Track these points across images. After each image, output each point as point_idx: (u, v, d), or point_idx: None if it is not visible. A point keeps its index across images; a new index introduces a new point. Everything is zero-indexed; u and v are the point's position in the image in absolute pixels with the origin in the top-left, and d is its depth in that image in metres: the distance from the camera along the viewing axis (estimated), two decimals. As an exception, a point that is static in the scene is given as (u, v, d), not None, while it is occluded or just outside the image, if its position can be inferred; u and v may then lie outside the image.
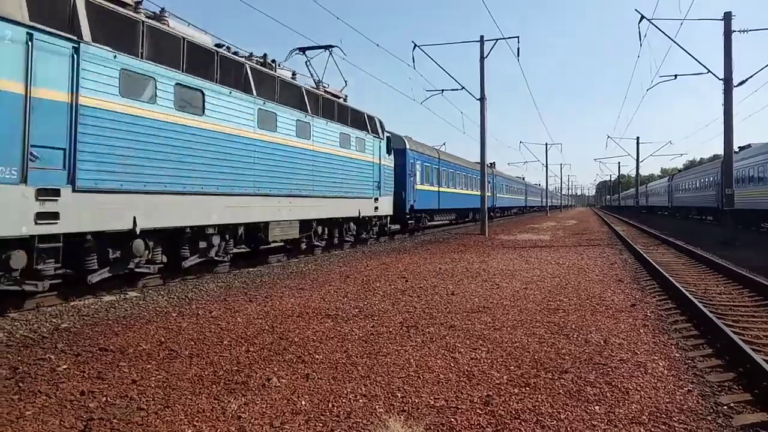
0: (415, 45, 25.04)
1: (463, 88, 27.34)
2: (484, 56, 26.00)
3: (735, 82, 20.50)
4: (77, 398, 4.59)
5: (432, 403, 4.47)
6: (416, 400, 4.52)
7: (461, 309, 8.20)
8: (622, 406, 4.33)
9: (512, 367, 5.37)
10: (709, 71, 21.61)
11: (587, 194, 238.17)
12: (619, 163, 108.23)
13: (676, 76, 25.52)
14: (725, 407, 4.34)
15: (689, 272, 12.65)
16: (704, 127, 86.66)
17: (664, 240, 21.99)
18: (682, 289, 9.19)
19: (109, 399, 4.56)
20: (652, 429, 3.91)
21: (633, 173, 74.59)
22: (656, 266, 12.37)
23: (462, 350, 5.98)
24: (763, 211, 27.13)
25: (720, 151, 22.18)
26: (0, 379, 5.09)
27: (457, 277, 11.55)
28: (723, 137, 20.80)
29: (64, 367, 5.44)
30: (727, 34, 20.29)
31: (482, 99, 26.47)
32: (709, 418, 4.12)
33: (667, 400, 4.48)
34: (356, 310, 8.18)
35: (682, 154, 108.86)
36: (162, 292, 9.82)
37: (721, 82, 20.56)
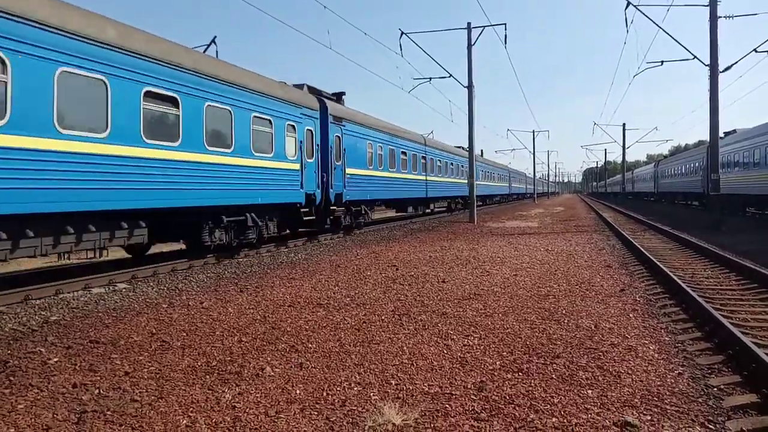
0: (403, 33, 24.94)
1: (451, 75, 27.30)
2: (472, 43, 25.94)
3: (720, 68, 20.62)
4: (70, 391, 4.56)
5: (426, 389, 4.49)
6: (410, 387, 4.54)
7: (453, 296, 8.23)
8: (615, 390, 4.38)
9: (505, 353, 5.41)
10: (695, 57, 21.73)
11: (574, 181, 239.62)
12: (605, 149, 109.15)
13: (662, 62, 25.65)
14: (715, 389, 4.40)
15: (677, 257, 12.78)
16: (690, 113, 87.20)
17: (650, 225, 22.18)
18: (670, 273, 9.29)
19: (102, 391, 4.53)
20: (645, 411, 3.96)
21: (619, 160, 75.07)
22: (644, 251, 12.48)
23: (454, 337, 6.01)
24: (748, 196, 27.43)
25: (705, 136, 22.35)
26: (-10, 373, 5.04)
27: (448, 265, 11.58)
28: (709, 123, 20.96)
29: (56, 360, 5.40)
30: (713, 19, 20.36)
31: (470, 86, 26.44)
32: (700, 400, 4.17)
33: (659, 383, 4.53)
34: (348, 298, 8.19)
35: (667, 140, 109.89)
36: (152, 283, 9.77)
37: (707, 68, 20.67)
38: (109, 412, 4.09)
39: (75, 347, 5.83)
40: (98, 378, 4.85)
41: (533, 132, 71.76)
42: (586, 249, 14.34)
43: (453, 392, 4.41)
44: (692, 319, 6.69)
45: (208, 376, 4.87)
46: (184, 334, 6.32)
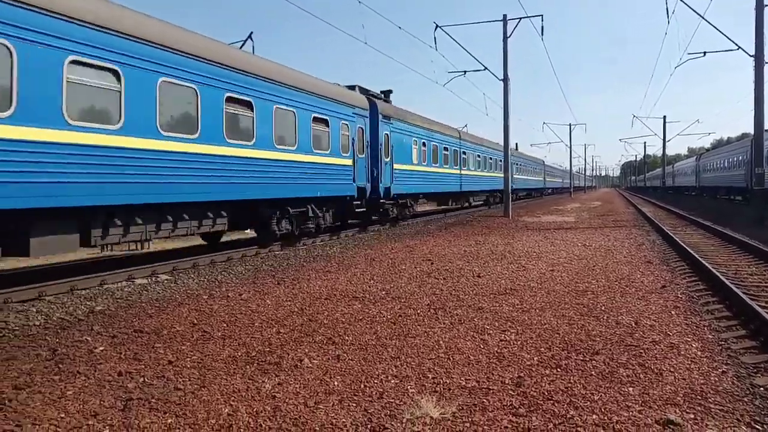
0: (437, 26, 24.79)
1: (486, 68, 27.06)
2: (507, 36, 25.66)
3: (766, 58, 19.94)
4: (115, 379, 4.70)
5: (463, 384, 4.49)
6: (447, 381, 4.54)
7: (488, 291, 8.20)
8: (656, 388, 4.31)
9: (542, 349, 5.37)
10: (739, 48, 21.11)
11: (611, 175, 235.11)
12: (645, 142, 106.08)
13: (705, 53, 25.07)
14: (762, 389, 4.29)
15: (719, 253, 12.45)
16: (733, 105, 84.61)
17: (692, 220, 21.64)
18: (713, 270, 9.06)
19: (146, 379, 4.66)
20: (688, 410, 3.89)
21: (659, 153, 73.39)
22: (685, 247, 12.20)
23: (491, 332, 5.99)
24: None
25: (749, 129, 21.68)
26: (41, 360, 5.24)
27: (483, 260, 11.53)
28: (753, 115, 20.31)
29: (101, 348, 5.58)
30: (759, 8, 19.69)
31: (505, 79, 26.17)
32: (745, 399, 4.08)
33: (702, 381, 4.45)
34: (383, 292, 8.23)
35: (709, 133, 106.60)
36: (192, 275, 9.98)
37: (752, 58, 20.02)
38: (153, 400, 4.21)
39: (120, 336, 6.01)
40: (143, 366, 4.99)
41: (570, 125, 70.63)
42: (625, 244, 14.09)
43: (490, 387, 4.40)
44: (736, 316, 6.53)
45: (248, 366, 4.96)
46: (225, 324, 6.45)
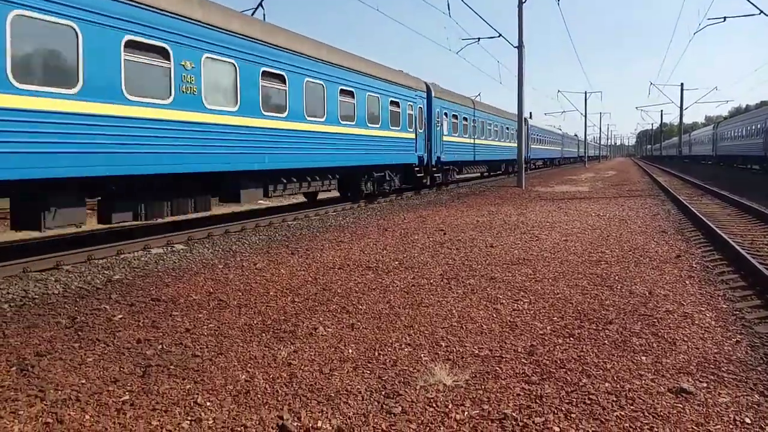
0: (451, -8, 24.30)
1: (501, 35, 26.63)
2: (523, 1, 25.15)
3: (790, 23, 19.44)
4: (134, 346, 4.80)
5: (476, 352, 4.53)
6: (460, 350, 4.59)
7: (501, 261, 8.20)
8: (669, 357, 4.32)
9: (555, 318, 5.39)
10: (761, 12, 20.54)
11: (627, 144, 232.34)
12: (661, 111, 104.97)
13: (725, 18, 24.37)
14: (775, 358, 4.29)
15: (735, 223, 12.33)
16: (753, 72, 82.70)
17: (708, 190, 21.39)
18: (728, 239, 8.99)
19: (164, 347, 4.75)
20: (701, 379, 3.90)
21: (676, 122, 72.23)
22: (701, 216, 12.09)
23: (504, 301, 6.01)
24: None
25: (771, 97, 21.19)
26: (61, 328, 5.35)
27: (496, 230, 11.51)
28: (775, 82, 19.88)
29: (120, 316, 5.68)
30: (784, -29, 19.11)
31: (520, 47, 25.75)
32: (759, 368, 4.08)
33: (715, 350, 4.45)
34: (396, 262, 8.26)
35: (728, 101, 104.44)
36: (207, 245, 10.08)
37: (775, 23, 19.51)
38: (172, 367, 4.30)
39: (137, 305, 6.11)
40: (161, 334, 5.08)
41: (585, 93, 69.61)
42: (640, 214, 13.99)
43: (503, 355, 4.44)
44: (751, 286, 6.49)
45: (264, 334, 5.04)
46: (240, 293, 6.53)
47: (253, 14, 16.17)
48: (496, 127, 33.98)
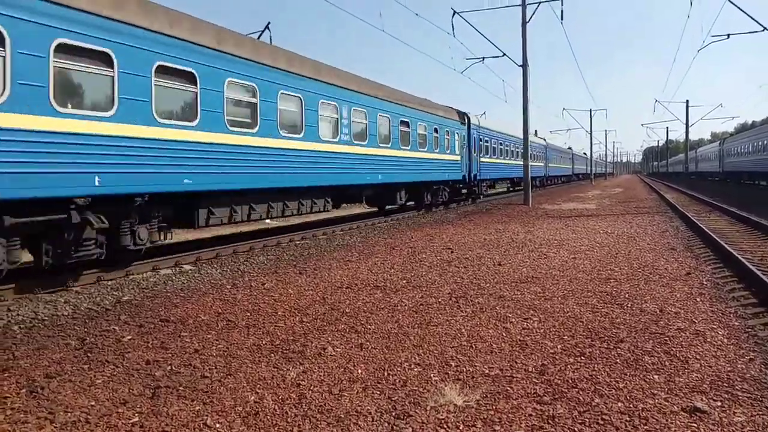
0: (455, 12, 24.61)
1: (505, 54, 26.82)
2: (527, 21, 25.35)
3: (794, 39, 19.49)
4: (143, 367, 4.79)
5: (486, 372, 4.50)
6: (470, 369, 4.56)
7: (509, 279, 8.17)
8: (682, 375, 4.28)
9: (566, 337, 5.35)
10: (765, 29, 20.61)
11: (633, 161, 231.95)
12: (667, 128, 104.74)
13: (729, 35, 24.45)
14: (790, 376, 4.23)
15: (745, 239, 12.25)
16: (758, 89, 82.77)
17: (716, 206, 21.30)
18: (738, 256, 8.93)
19: (173, 368, 4.74)
20: (715, 398, 3.85)
21: (682, 138, 72.15)
22: (710, 233, 12.03)
23: (513, 320, 5.98)
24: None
25: (777, 112, 21.17)
26: (70, 349, 5.35)
27: (503, 248, 11.48)
28: (781, 98, 19.87)
29: (129, 337, 5.68)
30: (787, -12, 19.21)
31: (524, 65, 25.89)
32: (773, 387, 4.03)
33: (729, 368, 4.40)
34: (404, 281, 8.25)
35: (733, 117, 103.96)
36: (215, 265, 10.10)
37: (780, 39, 19.57)
38: (181, 388, 4.29)
39: (147, 326, 6.11)
40: (170, 355, 5.08)
41: (590, 110, 69.72)
42: (648, 231, 13.93)
43: (514, 375, 4.41)
44: (762, 303, 6.43)
45: (272, 355, 5.02)
46: (248, 313, 6.52)
47: (259, 37, 16.35)
48: (517, 149, 37.45)
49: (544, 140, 52.21)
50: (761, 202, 22.94)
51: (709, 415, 3.59)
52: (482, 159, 29.13)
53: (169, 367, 4.75)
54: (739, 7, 19.90)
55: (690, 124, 58.55)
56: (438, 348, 5.12)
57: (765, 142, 37.34)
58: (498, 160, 32.80)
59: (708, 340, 5.13)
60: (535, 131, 49.80)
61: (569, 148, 72.53)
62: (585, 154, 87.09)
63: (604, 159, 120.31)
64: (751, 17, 20.46)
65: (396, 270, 9.17)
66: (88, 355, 5.18)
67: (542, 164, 48.19)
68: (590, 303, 6.62)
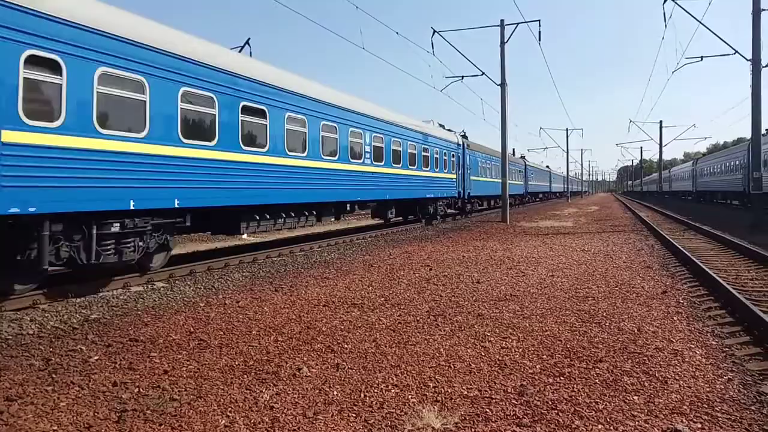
0: (435, 31, 24.81)
1: (483, 73, 27.05)
2: (505, 41, 25.66)
3: (763, 62, 19.96)
4: (110, 389, 4.61)
5: (465, 393, 4.41)
6: (449, 390, 4.46)
7: (488, 297, 8.11)
8: (662, 396, 4.23)
9: (545, 356, 5.29)
10: (736, 52, 21.11)
11: (608, 179, 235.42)
12: (641, 147, 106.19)
13: (702, 57, 24.98)
14: (769, 397, 4.21)
15: (719, 258, 12.40)
16: (729, 111, 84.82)
17: (690, 225, 21.60)
18: (713, 275, 9.00)
19: (141, 390, 4.57)
20: (695, 419, 3.81)
21: (655, 158, 73.41)
22: (685, 252, 12.14)
23: (492, 339, 5.91)
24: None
25: (744, 134, 21.68)
26: (34, 370, 5.14)
27: (482, 265, 11.45)
28: (751, 120, 20.30)
29: (96, 358, 5.48)
30: (756, 13, 19.72)
31: (503, 84, 26.16)
32: (753, 408, 4.00)
33: (708, 389, 4.37)
34: (382, 299, 8.14)
35: (706, 138, 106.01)
36: (189, 282, 9.88)
37: (749, 62, 20.04)
38: (148, 411, 4.12)
39: (115, 345, 5.91)
40: (138, 376, 4.89)
41: (567, 130, 70.76)
42: (624, 249, 14.03)
43: (493, 396, 4.32)
44: (739, 322, 6.46)
45: (245, 376, 4.87)
46: (221, 332, 6.35)
47: (240, 51, 16.28)
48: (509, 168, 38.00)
49: (524, 158, 53.60)
50: (734, 221, 23.34)
51: (690, 438, 3.54)
52: (473, 178, 30.87)
53: (137, 389, 4.57)
54: (711, 30, 20.38)
55: (664, 144, 59.59)
56: (416, 368, 5.02)
57: (737, 162, 38.15)
58: (485, 179, 34.56)
59: (686, 359, 5.10)
60: (513, 150, 50.44)
61: (547, 166, 73.50)
62: (562, 172, 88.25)
63: (579, 177, 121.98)
64: (723, 40, 20.97)
65: (374, 287, 9.06)
66: (53, 376, 4.97)
67: (522, 182, 49.87)
68: (568, 321, 6.58)
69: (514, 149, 53.13)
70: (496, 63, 26.21)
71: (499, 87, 26.30)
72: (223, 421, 3.92)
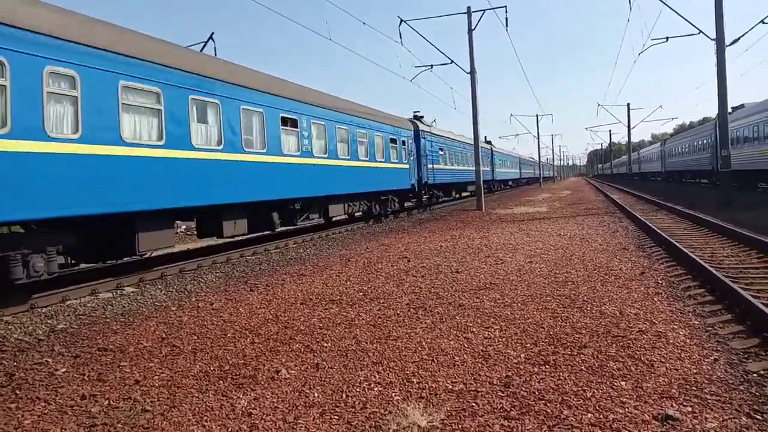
0: (402, 20, 24.62)
1: (453, 62, 26.96)
2: (473, 28, 25.59)
3: (727, 41, 20.22)
4: (78, 403, 4.38)
5: (450, 387, 4.28)
6: (433, 386, 4.33)
7: (468, 287, 8.01)
8: (649, 380, 4.15)
9: (528, 345, 5.19)
10: (700, 32, 21.36)
11: (579, 164, 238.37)
12: (610, 131, 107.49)
13: (667, 38, 25.23)
14: (755, 375, 4.16)
15: (693, 236, 12.50)
16: (694, 90, 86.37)
17: (661, 205, 21.86)
18: (689, 253, 9.03)
19: (111, 402, 4.34)
20: (684, 403, 3.73)
21: (624, 140, 74.41)
22: (659, 232, 12.21)
23: (474, 330, 5.79)
24: (759, 171, 27.03)
25: (709, 113, 22.00)
26: (-4, 387, 4.87)
27: (460, 254, 11.36)
28: (717, 98, 20.57)
29: (63, 370, 5.23)
30: (718, -8, 19.92)
31: (472, 72, 26.10)
32: (741, 388, 3.94)
33: (695, 370, 4.31)
34: (361, 293, 7.98)
35: (673, 119, 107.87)
36: (159, 286, 9.59)
37: (713, 42, 20.28)
38: (119, 425, 3.91)
39: (83, 356, 5.65)
40: (108, 388, 4.66)
41: (537, 116, 71.16)
42: (599, 232, 14.08)
43: (478, 389, 4.20)
44: (720, 300, 6.44)
45: (221, 382, 4.67)
46: (195, 337, 6.13)
47: (203, 48, 15.90)
48: (465, 155, 37.53)
49: (490, 144, 52.51)
50: (704, 200, 23.70)
51: (681, 423, 3.46)
52: (433, 166, 29.02)
53: (107, 402, 4.35)
54: (675, 11, 20.58)
55: (632, 127, 60.48)
56: (398, 364, 4.88)
57: (703, 141, 38.80)
58: (449, 167, 32.83)
59: (671, 341, 5.05)
60: (485, 137, 50.40)
61: (515, 152, 73.74)
62: (533, 158, 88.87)
63: (551, 163, 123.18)
64: (688, 21, 21.20)
65: (352, 282, 8.90)
66: (17, 392, 4.71)
67: (488, 169, 48.36)
68: (550, 308, 6.50)
69: (485, 137, 53.14)
70: (465, 52, 26.13)
71: (468, 75, 26.22)
72: (199, 431, 3.73)
